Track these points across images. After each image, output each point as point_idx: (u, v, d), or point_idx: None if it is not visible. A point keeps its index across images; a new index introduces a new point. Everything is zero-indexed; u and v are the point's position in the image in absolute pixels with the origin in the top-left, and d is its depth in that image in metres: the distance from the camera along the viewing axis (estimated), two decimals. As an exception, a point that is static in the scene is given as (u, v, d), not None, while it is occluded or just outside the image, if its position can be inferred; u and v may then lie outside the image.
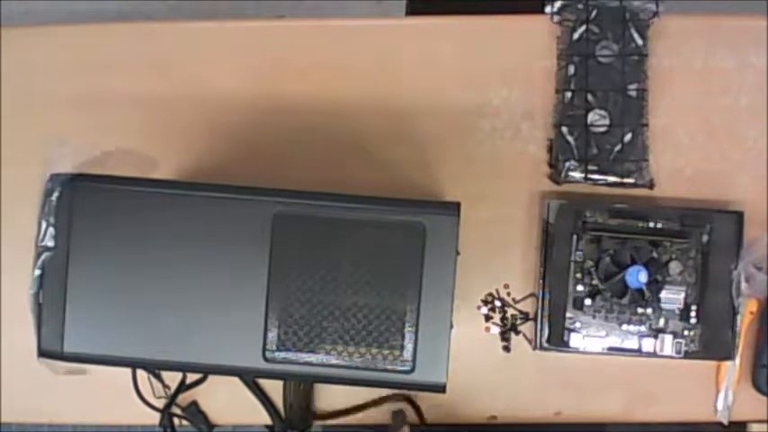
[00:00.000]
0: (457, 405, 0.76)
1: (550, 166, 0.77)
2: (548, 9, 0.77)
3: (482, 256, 0.76)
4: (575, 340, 0.74)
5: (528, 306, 0.77)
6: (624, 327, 0.74)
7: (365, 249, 0.61)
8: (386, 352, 0.61)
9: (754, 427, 0.77)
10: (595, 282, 0.73)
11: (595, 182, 0.76)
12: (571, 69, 0.76)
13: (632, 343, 0.74)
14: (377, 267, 0.61)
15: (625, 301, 0.72)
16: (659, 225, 0.74)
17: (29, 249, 0.75)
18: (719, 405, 0.76)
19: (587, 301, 0.74)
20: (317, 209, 0.61)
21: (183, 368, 0.69)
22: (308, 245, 0.61)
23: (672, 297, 0.73)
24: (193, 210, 0.62)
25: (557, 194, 0.77)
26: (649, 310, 0.74)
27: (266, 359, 0.61)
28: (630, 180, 0.75)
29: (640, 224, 0.74)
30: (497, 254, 0.77)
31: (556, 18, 0.77)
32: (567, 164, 0.76)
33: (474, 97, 0.78)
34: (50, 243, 0.66)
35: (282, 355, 0.61)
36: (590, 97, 0.76)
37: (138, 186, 0.62)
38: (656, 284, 0.72)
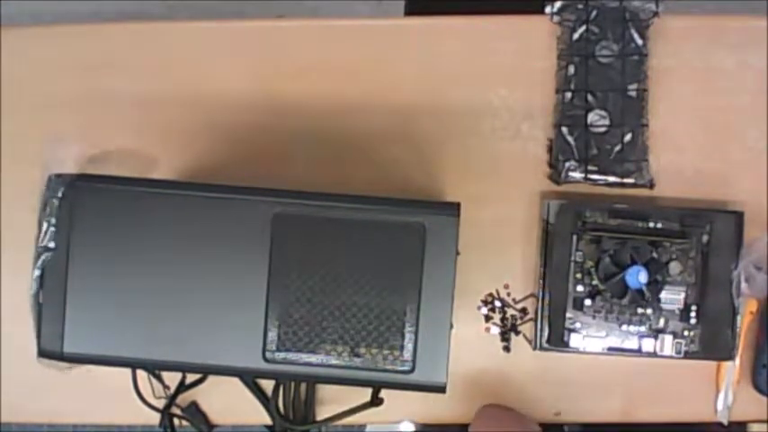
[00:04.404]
0: (457, 405, 0.76)
1: (550, 166, 0.77)
2: (548, 9, 0.77)
3: (482, 256, 0.76)
4: (575, 340, 0.74)
5: (528, 306, 0.77)
6: (624, 327, 0.74)
7: (365, 249, 0.61)
8: (386, 352, 0.61)
9: (754, 427, 0.77)
10: (595, 282, 0.73)
11: (595, 182, 0.76)
12: (571, 69, 0.76)
13: (632, 343, 0.74)
14: (377, 267, 0.61)
15: (625, 301, 0.72)
16: (659, 225, 0.74)
17: (29, 250, 0.75)
18: (719, 405, 0.76)
19: (587, 302, 0.74)
20: (317, 209, 0.61)
21: (183, 368, 0.69)
22: (308, 245, 0.61)
23: (672, 297, 0.73)
24: (193, 210, 0.62)
25: (557, 194, 0.77)
26: (649, 311, 0.74)
27: (266, 359, 0.61)
28: (630, 180, 0.75)
29: (640, 224, 0.74)
30: (497, 254, 0.77)
31: (556, 18, 0.77)
32: (567, 164, 0.76)
33: (474, 97, 0.78)
34: (51, 243, 0.66)
35: (282, 355, 0.61)
36: (590, 97, 0.76)
37: (138, 186, 0.62)
38: (655, 285, 0.72)
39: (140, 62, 0.79)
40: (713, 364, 0.76)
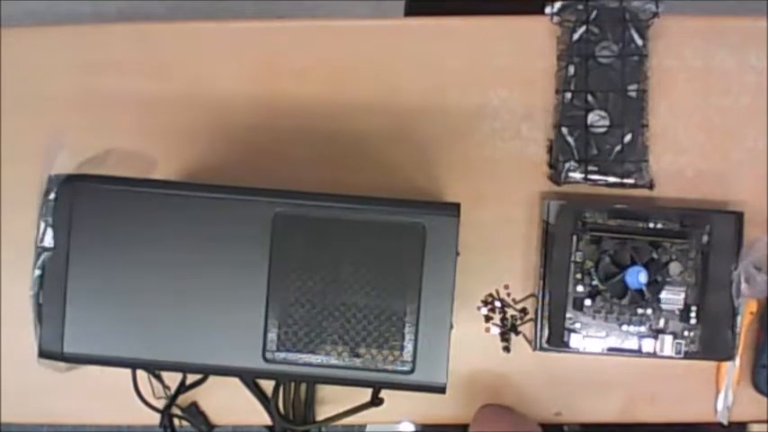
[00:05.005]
0: (457, 405, 0.76)
1: (550, 166, 0.77)
2: (548, 10, 0.77)
3: (482, 257, 0.76)
4: (575, 341, 0.74)
5: (528, 306, 0.77)
6: (624, 327, 0.74)
7: (365, 250, 0.61)
8: (386, 352, 0.61)
9: (754, 427, 0.77)
10: (595, 282, 0.73)
11: (595, 182, 0.76)
12: (571, 70, 0.76)
13: (632, 343, 0.74)
14: (377, 267, 0.61)
15: (625, 301, 0.72)
16: (659, 225, 0.74)
17: (29, 250, 0.75)
18: (719, 405, 0.76)
19: (587, 302, 0.74)
20: (317, 209, 0.61)
21: (183, 368, 0.69)
22: (308, 245, 0.61)
23: (672, 298, 0.73)
24: (193, 210, 0.61)
25: (557, 195, 0.77)
26: (649, 311, 0.74)
27: (266, 359, 0.61)
28: (630, 180, 0.75)
29: (640, 224, 0.74)
30: (497, 254, 0.77)
31: (556, 19, 0.77)
32: (567, 164, 0.76)
33: (474, 98, 0.78)
34: (50, 243, 0.66)
35: (282, 355, 0.61)
36: (590, 98, 0.76)
37: (137, 186, 0.62)
38: (655, 285, 0.72)
39: (140, 62, 0.79)
40: (713, 364, 0.76)
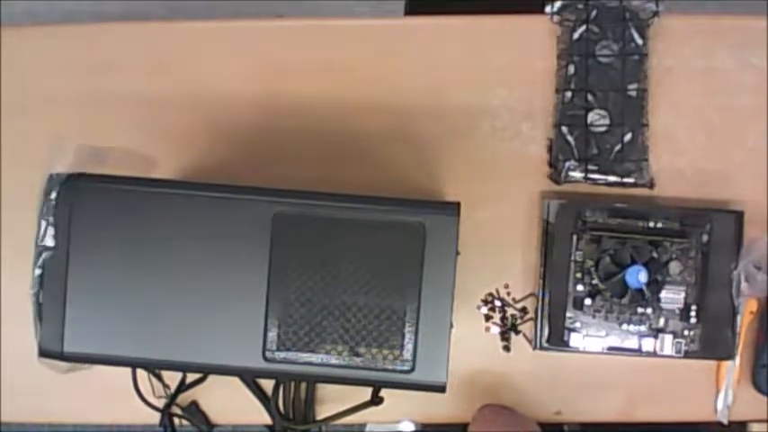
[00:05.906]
0: (457, 404, 0.76)
1: (550, 165, 0.77)
2: (548, 9, 0.77)
3: (482, 256, 0.76)
4: (575, 340, 0.74)
5: (528, 306, 0.77)
6: (624, 326, 0.74)
7: (365, 249, 0.61)
8: (386, 352, 0.61)
9: (754, 427, 0.77)
10: (595, 281, 0.73)
11: (595, 182, 0.76)
12: (571, 69, 0.76)
13: (632, 343, 0.74)
14: (377, 267, 0.61)
15: (625, 300, 0.72)
16: (659, 225, 0.74)
17: (29, 249, 0.75)
18: (719, 405, 0.76)
19: (587, 301, 0.74)
20: (317, 209, 0.61)
21: (183, 368, 0.69)
22: (308, 245, 0.61)
23: (672, 297, 0.73)
24: (193, 210, 0.62)
25: (557, 194, 0.77)
26: (649, 310, 0.74)
27: (266, 359, 0.61)
28: (630, 180, 0.75)
29: (640, 224, 0.74)
30: (497, 254, 0.77)
31: (556, 18, 0.77)
32: (567, 164, 0.76)
33: (474, 97, 0.78)
34: (50, 243, 0.66)
35: (282, 354, 0.61)
36: (590, 97, 0.76)
37: (137, 186, 0.62)
38: (656, 284, 0.72)
39: (140, 62, 0.79)
40: (713, 363, 0.76)
